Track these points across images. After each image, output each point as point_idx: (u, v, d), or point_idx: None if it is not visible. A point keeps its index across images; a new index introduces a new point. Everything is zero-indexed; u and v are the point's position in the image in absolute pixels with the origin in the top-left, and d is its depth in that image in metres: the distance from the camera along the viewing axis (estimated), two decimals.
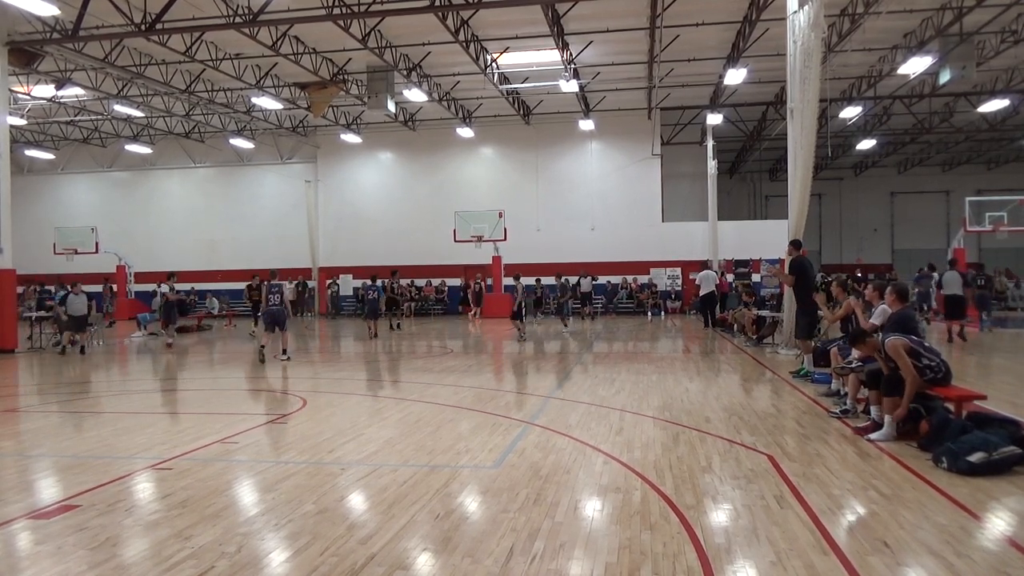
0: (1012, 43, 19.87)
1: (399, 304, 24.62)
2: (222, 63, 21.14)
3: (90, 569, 4.06)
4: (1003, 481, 5.43)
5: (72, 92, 24.24)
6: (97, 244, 29.97)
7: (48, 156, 32.87)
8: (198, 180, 33.58)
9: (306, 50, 20.68)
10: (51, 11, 15.18)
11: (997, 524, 4.64)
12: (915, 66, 20.02)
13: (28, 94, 24.02)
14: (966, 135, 31.41)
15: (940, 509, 4.86)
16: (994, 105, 24.21)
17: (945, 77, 19.75)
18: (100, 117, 28.34)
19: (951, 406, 6.78)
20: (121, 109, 25.93)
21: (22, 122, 26.73)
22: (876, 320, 8.33)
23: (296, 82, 23.48)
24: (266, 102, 24.35)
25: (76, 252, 30.25)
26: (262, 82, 23.16)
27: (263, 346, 14.62)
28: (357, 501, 5.34)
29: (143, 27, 16.80)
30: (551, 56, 21.23)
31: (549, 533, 4.51)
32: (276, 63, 21.96)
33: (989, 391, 8.34)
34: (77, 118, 28.56)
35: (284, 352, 14.64)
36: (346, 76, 23.16)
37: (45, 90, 23.76)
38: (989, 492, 5.20)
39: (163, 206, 33.57)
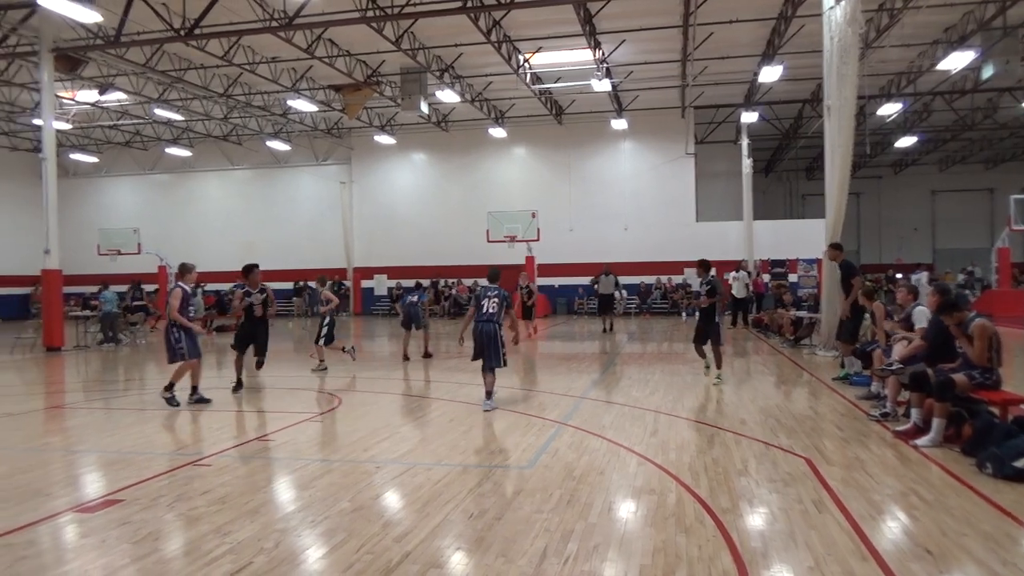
0: None
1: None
2: (259, 67, 21.46)
3: (133, 563, 4.16)
4: None
5: (115, 97, 24.82)
6: (139, 245, 30.66)
7: (92, 159, 33.66)
8: (236, 182, 34.11)
9: (340, 53, 20.91)
10: (94, 18, 15.54)
11: None
12: (956, 61, 19.52)
13: (73, 99, 24.69)
14: (1011, 131, 30.58)
15: (985, 516, 4.74)
16: None
17: (988, 72, 19.24)
18: (141, 121, 28.97)
19: (996, 410, 6.61)
20: (161, 113, 26.46)
21: (67, 127, 27.44)
22: (919, 324, 8.14)
23: (331, 84, 23.75)
24: (302, 104, 24.65)
25: (119, 253, 31.02)
26: (298, 85, 23.47)
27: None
28: (392, 499, 5.39)
29: (182, 32, 17.13)
30: (583, 55, 21.16)
31: (583, 534, 4.50)
32: (311, 66, 22.23)
33: None
34: (119, 122, 29.22)
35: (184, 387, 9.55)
36: (379, 78, 23.35)
37: (89, 95, 24.38)
38: None
39: (202, 208, 34.17)
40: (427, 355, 14.44)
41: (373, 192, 32.31)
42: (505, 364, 8.97)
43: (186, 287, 9.57)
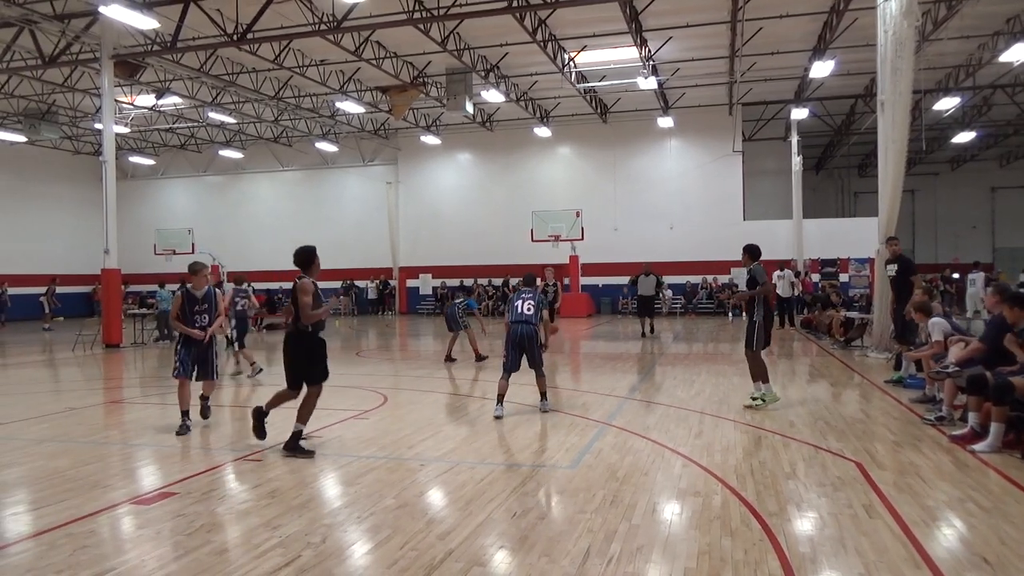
0: None
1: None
2: (308, 69, 21.86)
3: (186, 554, 4.29)
4: None
5: (170, 101, 25.58)
6: (193, 245, 31.55)
7: (149, 162, 34.70)
8: (286, 183, 34.78)
9: (387, 54, 21.16)
10: (151, 24, 16.03)
11: None
12: (1019, 53, 18.81)
13: (131, 103, 25.61)
14: None
15: None
16: None
17: None
18: (196, 124, 29.80)
19: None
20: (215, 116, 27.14)
21: (126, 130, 28.33)
22: (938, 336, 7.94)
23: (378, 86, 24.07)
24: (349, 106, 25.04)
25: (175, 253, 31.98)
26: (345, 87, 23.84)
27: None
28: (436, 497, 5.44)
29: (235, 37, 17.56)
30: (629, 53, 21.01)
31: (626, 535, 4.48)
32: (359, 68, 22.56)
33: None
34: (175, 125, 30.10)
35: None
36: (425, 79, 23.57)
37: (146, 99, 25.22)
38: None
39: (253, 208, 34.90)
40: (477, 357, 13.59)
41: (419, 192, 32.60)
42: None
43: (196, 292, 7.97)
